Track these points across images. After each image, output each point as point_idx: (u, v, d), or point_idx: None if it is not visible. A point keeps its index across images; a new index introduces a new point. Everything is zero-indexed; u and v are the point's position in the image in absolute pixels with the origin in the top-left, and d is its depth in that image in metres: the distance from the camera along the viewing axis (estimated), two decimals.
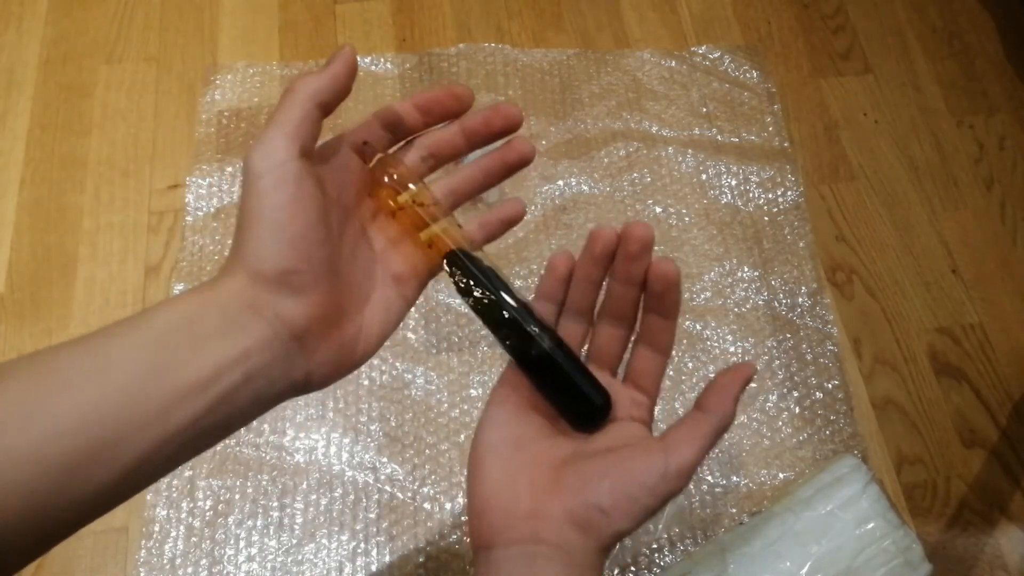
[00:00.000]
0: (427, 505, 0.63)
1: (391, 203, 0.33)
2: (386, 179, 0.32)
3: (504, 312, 0.32)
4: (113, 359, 0.26)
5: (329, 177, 0.31)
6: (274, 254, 0.28)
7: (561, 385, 0.33)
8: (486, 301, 0.32)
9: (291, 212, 0.28)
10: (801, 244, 0.76)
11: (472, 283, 0.32)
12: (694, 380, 0.70)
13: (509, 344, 0.33)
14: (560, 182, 0.78)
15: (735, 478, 0.66)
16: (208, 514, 0.62)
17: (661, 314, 0.33)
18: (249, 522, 0.62)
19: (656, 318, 0.33)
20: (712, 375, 0.69)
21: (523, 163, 0.34)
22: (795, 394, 0.70)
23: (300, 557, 0.61)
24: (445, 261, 0.33)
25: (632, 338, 0.35)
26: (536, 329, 0.32)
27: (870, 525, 0.59)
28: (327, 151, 0.32)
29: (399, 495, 0.64)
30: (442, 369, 0.68)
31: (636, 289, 0.33)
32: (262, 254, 0.28)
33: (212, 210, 0.75)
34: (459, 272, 0.32)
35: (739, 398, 0.32)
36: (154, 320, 0.27)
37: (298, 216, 0.28)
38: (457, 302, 0.70)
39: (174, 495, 0.63)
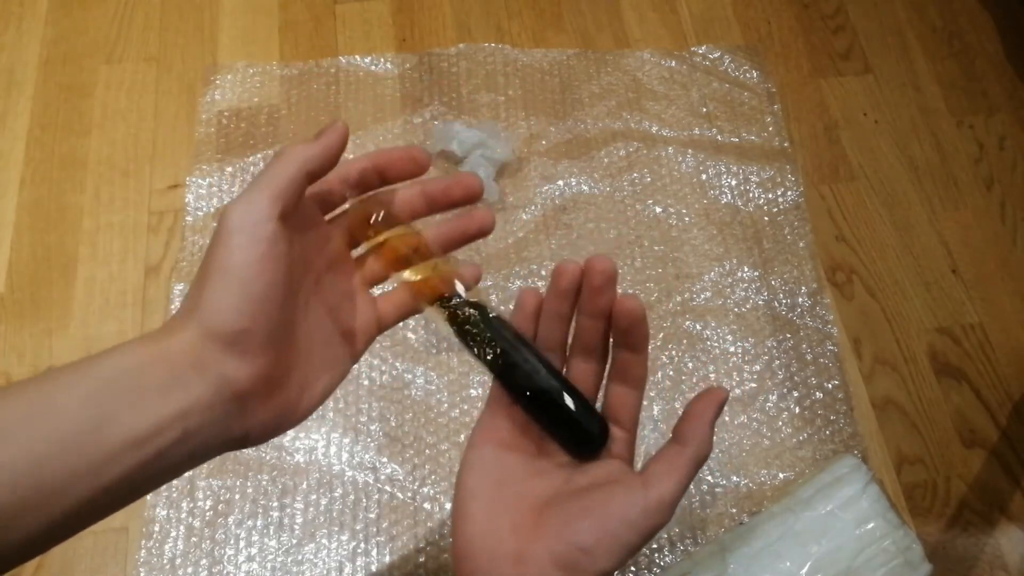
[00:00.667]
0: (427, 505, 0.63)
1: (388, 243, 0.34)
2: (376, 218, 0.33)
3: (507, 353, 0.32)
4: (55, 408, 0.26)
5: (296, 234, 0.31)
6: (232, 312, 0.28)
7: (562, 416, 0.33)
8: (489, 352, 0.32)
9: (258, 270, 0.28)
10: (801, 244, 0.76)
11: (470, 329, 0.33)
12: (694, 380, 0.70)
13: (507, 379, 0.33)
14: (560, 182, 0.78)
15: (735, 478, 0.66)
16: (208, 514, 0.62)
17: (631, 349, 0.33)
18: (249, 522, 0.62)
19: (626, 353, 0.33)
20: (712, 375, 0.70)
21: (482, 234, 0.35)
22: (795, 394, 0.70)
23: (300, 557, 0.61)
24: (439, 305, 0.33)
25: (606, 372, 0.35)
26: (534, 360, 0.32)
27: (870, 525, 0.59)
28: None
29: (399, 495, 0.64)
30: (442, 369, 0.68)
31: (604, 322, 0.33)
32: (220, 309, 0.28)
33: (212, 210, 0.75)
34: (457, 319, 0.33)
35: (715, 423, 0.32)
36: (101, 370, 0.27)
37: (265, 275, 0.28)
38: None
39: (174, 495, 0.63)
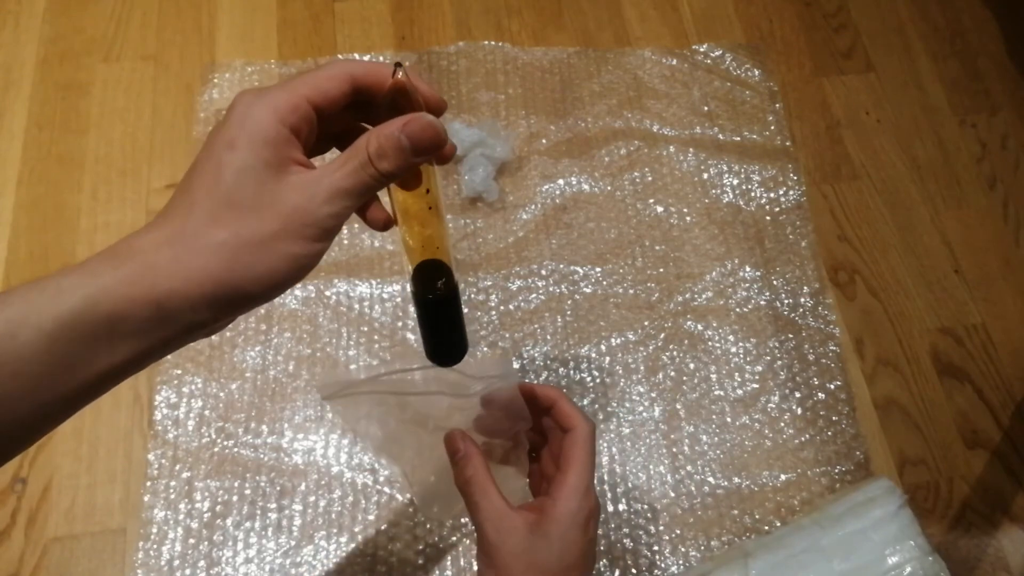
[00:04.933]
0: None
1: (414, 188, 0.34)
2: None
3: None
4: (19, 349, 0.26)
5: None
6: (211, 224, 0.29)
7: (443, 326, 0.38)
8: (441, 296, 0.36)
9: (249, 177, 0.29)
10: (803, 244, 0.76)
11: (440, 285, 0.36)
12: (695, 381, 0.69)
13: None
14: (560, 181, 0.77)
15: (736, 479, 0.65)
16: (206, 516, 0.62)
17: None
18: (247, 524, 0.62)
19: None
20: (713, 376, 0.69)
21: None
22: (797, 395, 0.69)
23: (299, 559, 0.61)
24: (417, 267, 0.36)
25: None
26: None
27: (899, 548, 0.58)
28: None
29: (398, 497, 0.63)
30: (442, 369, 0.68)
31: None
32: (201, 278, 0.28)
33: None
34: (434, 279, 0.36)
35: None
36: (74, 316, 0.27)
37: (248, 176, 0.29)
38: None
39: (172, 496, 0.62)
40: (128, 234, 0.29)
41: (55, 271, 0.28)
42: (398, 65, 0.32)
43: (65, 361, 0.26)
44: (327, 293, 0.71)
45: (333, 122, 0.33)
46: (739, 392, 0.69)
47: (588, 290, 0.73)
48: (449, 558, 0.61)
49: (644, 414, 0.67)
